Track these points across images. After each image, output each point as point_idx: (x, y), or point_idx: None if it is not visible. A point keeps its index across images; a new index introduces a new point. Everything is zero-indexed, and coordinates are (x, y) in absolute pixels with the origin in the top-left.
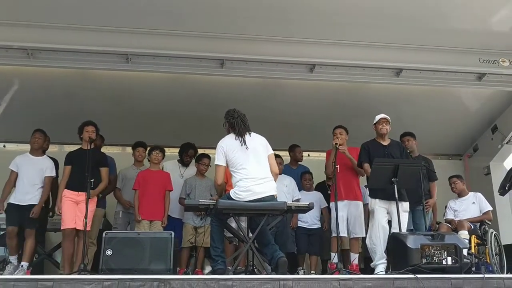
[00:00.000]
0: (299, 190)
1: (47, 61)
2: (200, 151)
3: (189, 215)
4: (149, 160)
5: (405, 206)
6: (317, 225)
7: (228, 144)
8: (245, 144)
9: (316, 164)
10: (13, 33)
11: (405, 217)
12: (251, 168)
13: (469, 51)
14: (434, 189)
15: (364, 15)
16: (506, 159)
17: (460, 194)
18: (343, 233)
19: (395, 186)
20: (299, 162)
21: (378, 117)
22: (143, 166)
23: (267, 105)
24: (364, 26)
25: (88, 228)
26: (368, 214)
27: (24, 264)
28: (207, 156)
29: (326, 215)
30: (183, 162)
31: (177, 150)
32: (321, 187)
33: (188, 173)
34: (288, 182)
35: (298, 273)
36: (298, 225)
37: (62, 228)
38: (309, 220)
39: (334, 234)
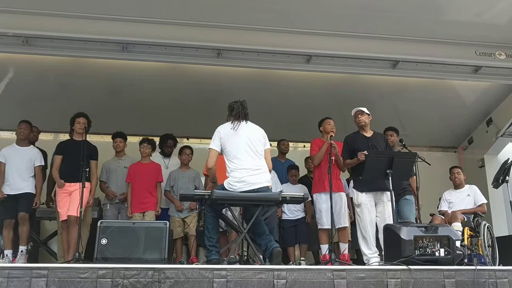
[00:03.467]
0: (285, 183)
1: (42, 48)
2: (196, 140)
3: (173, 207)
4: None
5: (389, 195)
6: (301, 215)
7: (225, 131)
8: (237, 127)
9: None
10: (8, 20)
11: (388, 206)
12: (245, 159)
13: (465, 44)
14: (413, 185)
15: (361, 7)
16: (500, 152)
17: (457, 186)
18: (328, 224)
19: (390, 178)
20: (286, 156)
21: (353, 112)
22: (124, 155)
23: (263, 96)
24: (361, 18)
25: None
26: (353, 206)
27: (23, 248)
28: (188, 147)
29: (309, 208)
30: (164, 153)
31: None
32: (304, 181)
33: (172, 163)
34: (272, 175)
35: None
36: (283, 218)
37: (60, 220)
38: (294, 212)
39: (320, 226)
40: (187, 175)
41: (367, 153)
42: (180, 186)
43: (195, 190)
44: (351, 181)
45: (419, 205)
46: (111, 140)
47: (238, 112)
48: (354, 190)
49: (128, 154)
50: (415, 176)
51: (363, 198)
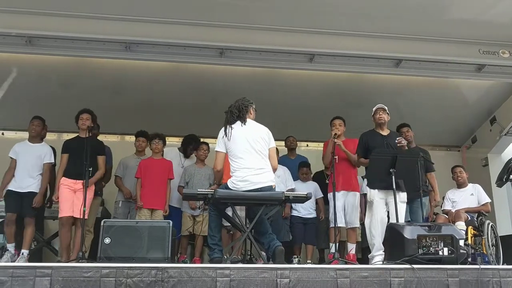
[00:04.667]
0: (296, 180)
1: (45, 48)
2: None
3: (187, 204)
4: (151, 149)
5: (402, 196)
6: (312, 214)
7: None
8: (229, 133)
9: (315, 154)
10: (12, 20)
11: (402, 208)
12: (248, 158)
13: (469, 42)
14: (433, 181)
15: (364, 5)
16: (504, 150)
17: (461, 185)
18: (341, 223)
19: (393, 177)
20: (297, 153)
21: (375, 108)
22: (144, 155)
23: (266, 95)
24: (364, 16)
25: (86, 216)
26: (365, 204)
27: (25, 251)
28: (205, 143)
29: (321, 205)
30: (186, 153)
31: (176, 139)
32: (318, 177)
33: (189, 163)
34: (282, 172)
35: (292, 262)
36: (294, 214)
37: (59, 216)
38: (305, 210)
39: (332, 225)
40: (203, 171)
41: None
42: (195, 183)
43: (199, 190)
44: (365, 179)
45: (422, 203)
46: (115, 140)
47: (227, 119)
48: (367, 188)
49: (148, 154)
50: (433, 173)
51: (376, 196)
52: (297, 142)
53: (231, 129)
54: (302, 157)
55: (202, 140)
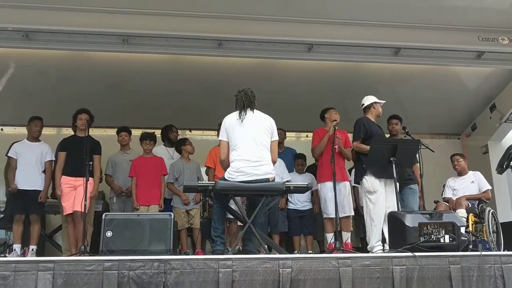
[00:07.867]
0: (292, 171)
1: (43, 43)
2: (198, 132)
3: (177, 199)
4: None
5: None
6: (308, 206)
7: (230, 121)
8: (243, 117)
9: None
10: (9, 14)
11: (394, 196)
12: (246, 149)
13: (468, 29)
14: (417, 172)
15: None
16: (504, 137)
17: (461, 173)
18: (334, 214)
19: (393, 165)
20: (289, 145)
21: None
22: (130, 149)
23: (265, 86)
24: (362, 5)
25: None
26: (355, 194)
27: (34, 247)
28: (186, 139)
29: (317, 197)
30: (171, 141)
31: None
32: (312, 169)
33: (177, 154)
34: (277, 164)
35: None
36: (290, 207)
37: (64, 214)
38: (301, 202)
39: (326, 215)
40: (191, 166)
41: None
42: (186, 178)
43: (199, 182)
44: (353, 170)
45: (423, 193)
46: (115, 134)
47: (242, 102)
48: (368, 178)
49: (132, 148)
50: (418, 164)
51: (379, 186)
52: (297, 133)
53: (245, 113)
54: (291, 149)
55: (202, 132)
